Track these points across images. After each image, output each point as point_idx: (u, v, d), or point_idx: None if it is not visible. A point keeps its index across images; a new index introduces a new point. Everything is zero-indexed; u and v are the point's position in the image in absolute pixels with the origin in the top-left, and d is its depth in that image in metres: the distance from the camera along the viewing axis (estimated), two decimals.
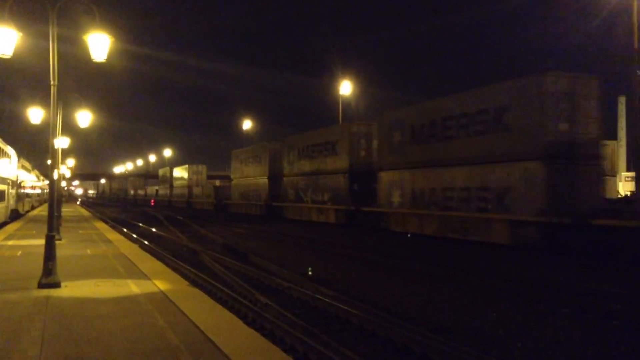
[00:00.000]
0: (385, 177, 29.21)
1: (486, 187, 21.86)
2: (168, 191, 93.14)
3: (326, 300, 10.89)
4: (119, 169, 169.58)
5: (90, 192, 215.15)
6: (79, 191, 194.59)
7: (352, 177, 33.25)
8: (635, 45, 23.19)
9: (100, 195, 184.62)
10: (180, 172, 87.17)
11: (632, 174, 39.70)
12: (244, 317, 9.47)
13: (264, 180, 47.47)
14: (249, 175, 51.85)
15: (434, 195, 24.94)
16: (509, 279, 13.81)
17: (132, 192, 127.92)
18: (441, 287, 13.23)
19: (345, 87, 46.20)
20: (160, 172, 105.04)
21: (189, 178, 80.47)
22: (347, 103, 48.12)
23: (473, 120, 22.70)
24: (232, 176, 58.24)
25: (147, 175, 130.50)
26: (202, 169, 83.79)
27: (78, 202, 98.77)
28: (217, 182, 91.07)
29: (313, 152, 38.44)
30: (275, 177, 45.18)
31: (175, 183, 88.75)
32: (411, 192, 26.62)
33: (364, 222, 31.10)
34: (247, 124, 74.16)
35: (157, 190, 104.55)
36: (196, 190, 75.87)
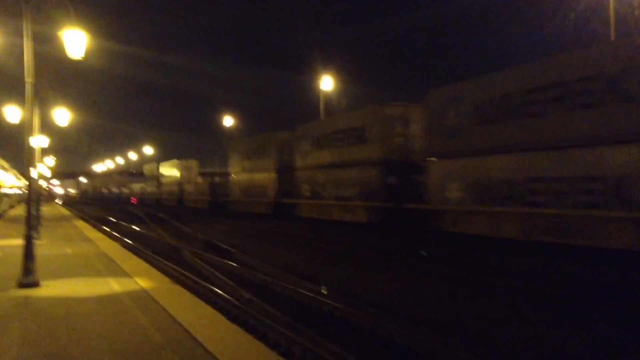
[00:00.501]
0: (436, 167, 24.26)
1: (596, 175, 17.02)
2: (156, 189, 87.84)
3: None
4: (98, 167, 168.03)
5: (72, 191, 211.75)
6: (59, 190, 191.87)
7: (387, 168, 28.34)
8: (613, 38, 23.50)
9: (83, 194, 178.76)
10: (168, 168, 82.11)
11: None
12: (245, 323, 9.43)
13: (270, 174, 41.96)
14: (252, 170, 46.01)
15: (513, 187, 20.02)
16: None
17: (115, 190, 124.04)
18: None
19: (326, 83, 46.17)
20: (146, 168, 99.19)
21: (180, 174, 76.03)
22: (328, 99, 47.98)
23: (572, 91, 17.89)
24: (230, 171, 52.85)
25: (131, 172, 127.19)
26: (193, 164, 78.82)
27: (58, 201, 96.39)
28: (217, 178, 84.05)
29: (334, 140, 33.70)
30: (283, 170, 40.21)
31: (164, 180, 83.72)
32: (475, 184, 21.83)
33: (404, 222, 26.37)
34: (228, 121, 73.24)
35: (142, 188, 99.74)
36: (188, 187, 70.64)
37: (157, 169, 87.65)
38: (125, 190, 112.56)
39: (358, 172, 30.67)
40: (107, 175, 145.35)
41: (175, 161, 79.31)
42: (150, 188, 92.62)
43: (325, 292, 11.18)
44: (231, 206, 50.45)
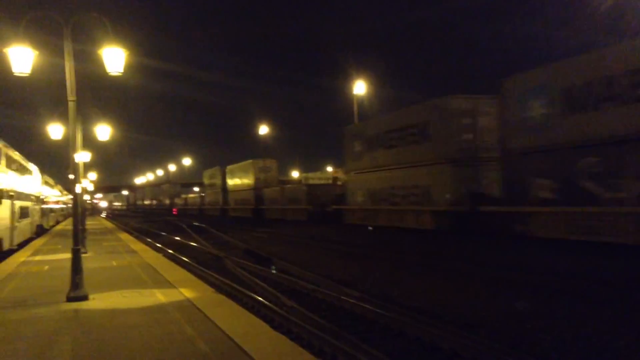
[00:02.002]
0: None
1: None
2: (220, 197, 72.98)
3: None
4: (139, 180, 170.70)
5: (117, 204, 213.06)
6: (103, 204, 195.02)
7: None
8: None
9: (132, 206, 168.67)
10: (238, 172, 66.16)
11: None
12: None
13: (441, 168, 26.30)
14: (396, 163, 30.63)
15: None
16: None
17: (167, 201, 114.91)
18: None
19: (360, 87, 46.17)
20: (207, 174, 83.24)
21: (255, 177, 59.65)
22: (358, 103, 47.77)
23: None
24: (347, 168, 38.41)
25: (183, 183, 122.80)
26: (272, 164, 62.22)
27: (103, 215, 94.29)
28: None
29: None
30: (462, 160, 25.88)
31: (231, 186, 68.80)
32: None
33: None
34: (263, 130, 72.93)
35: (202, 197, 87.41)
36: (269, 193, 55.38)
37: (222, 173, 72.98)
38: (179, 201, 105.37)
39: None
40: (156, 185, 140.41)
41: (249, 161, 62.53)
42: (212, 197, 79.27)
43: None
44: (348, 217, 37.39)
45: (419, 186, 27.97)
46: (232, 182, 69.17)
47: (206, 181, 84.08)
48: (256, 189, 58.93)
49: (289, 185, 57.29)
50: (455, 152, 25.35)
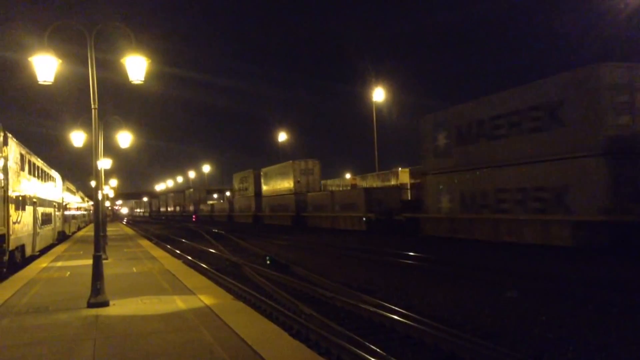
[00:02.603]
0: None
1: None
2: (252, 203, 66.45)
3: None
4: (159, 187, 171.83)
5: (138, 210, 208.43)
6: (124, 210, 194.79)
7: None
8: None
9: (155, 213, 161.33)
10: (274, 175, 60.28)
11: None
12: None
13: (584, 163, 20.01)
14: (506, 158, 23.82)
15: None
16: None
17: (191, 207, 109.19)
18: None
19: (379, 94, 46.24)
20: (237, 177, 76.63)
21: (295, 180, 54.09)
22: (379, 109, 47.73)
23: None
24: (427, 167, 30.57)
25: (209, 189, 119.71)
26: (314, 166, 55.59)
27: (124, 222, 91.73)
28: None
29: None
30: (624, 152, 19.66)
31: (267, 190, 63.00)
32: None
33: None
34: (282, 137, 73.13)
35: (230, 203, 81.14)
36: (315, 198, 48.49)
37: (256, 177, 66.67)
38: (204, 208, 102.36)
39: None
40: (180, 192, 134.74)
41: (289, 162, 57.09)
42: (243, 202, 72.27)
43: None
44: (427, 227, 30.02)
45: (546, 188, 21.34)
46: (267, 186, 63.61)
47: (236, 185, 77.97)
48: (297, 193, 52.91)
49: (340, 189, 51.51)
50: (607, 141, 19.19)
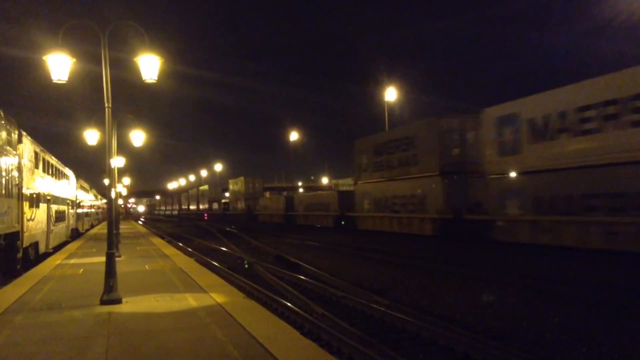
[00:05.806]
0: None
1: None
2: (282, 204, 60.36)
3: None
4: (172, 185, 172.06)
5: (163, 208, 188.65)
6: (141, 208, 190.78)
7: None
8: None
9: (178, 212, 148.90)
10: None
11: None
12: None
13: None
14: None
15: None
16: None
17: (216, 206, 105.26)
18: None
19: (391, 94, 46.11)
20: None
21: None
22: (390, 109, 47.65)
23: None
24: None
25: (224, 188, 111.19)
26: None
27: (140, 221, 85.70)
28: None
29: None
30: None
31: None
32: None
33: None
34: (294, 136, 72.81)
35: (254, 202, 75.66)
36: (362, 189, 38.26)
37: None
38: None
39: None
40: (197, 189, 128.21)
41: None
42: (271, 203, 66.87)
43: None
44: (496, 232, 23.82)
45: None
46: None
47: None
48: (341, 191, 45.76)
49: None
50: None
